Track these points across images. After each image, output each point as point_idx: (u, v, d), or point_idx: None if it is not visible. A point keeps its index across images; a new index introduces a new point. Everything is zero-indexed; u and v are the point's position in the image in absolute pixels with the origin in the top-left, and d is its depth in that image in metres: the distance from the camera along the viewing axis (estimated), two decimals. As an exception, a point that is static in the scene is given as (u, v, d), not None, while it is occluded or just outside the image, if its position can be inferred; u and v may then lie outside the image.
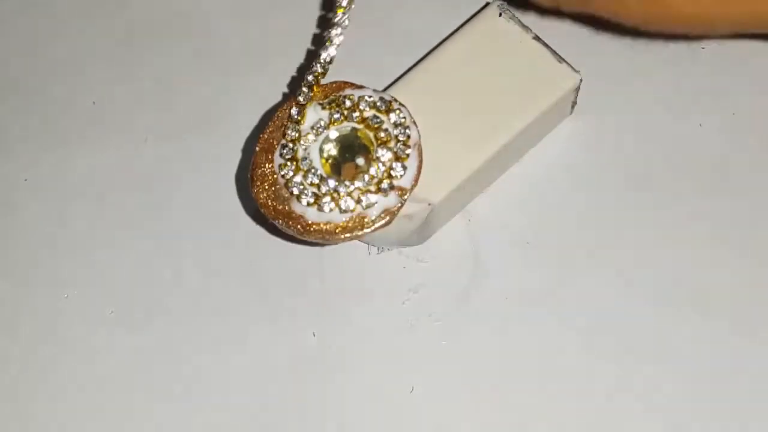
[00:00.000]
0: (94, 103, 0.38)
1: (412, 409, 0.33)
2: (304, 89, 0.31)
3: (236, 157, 0.36)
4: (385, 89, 0.33)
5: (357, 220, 0.30)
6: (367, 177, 0.30)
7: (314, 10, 0.38)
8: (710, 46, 0.36)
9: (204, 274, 0.35)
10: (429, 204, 0.32)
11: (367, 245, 0.34)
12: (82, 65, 0.38)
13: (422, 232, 0.33)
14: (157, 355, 0.34)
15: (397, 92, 0.32)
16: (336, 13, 0.30)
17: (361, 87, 0.31)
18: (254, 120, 0.36)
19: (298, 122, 0.31)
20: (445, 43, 0.34)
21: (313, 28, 0.37)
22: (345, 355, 0.33)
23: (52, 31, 0.39)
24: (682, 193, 0.35)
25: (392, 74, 0.34)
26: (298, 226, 0.30)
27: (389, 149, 0.30)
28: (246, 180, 0.31)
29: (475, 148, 0.32)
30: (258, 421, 0.33)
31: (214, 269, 0.35)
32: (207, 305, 0.34)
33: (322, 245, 0.34)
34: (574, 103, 0.35)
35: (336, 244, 0.30)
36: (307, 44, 0.37)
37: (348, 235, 0.29)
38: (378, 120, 0.30)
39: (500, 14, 0.34)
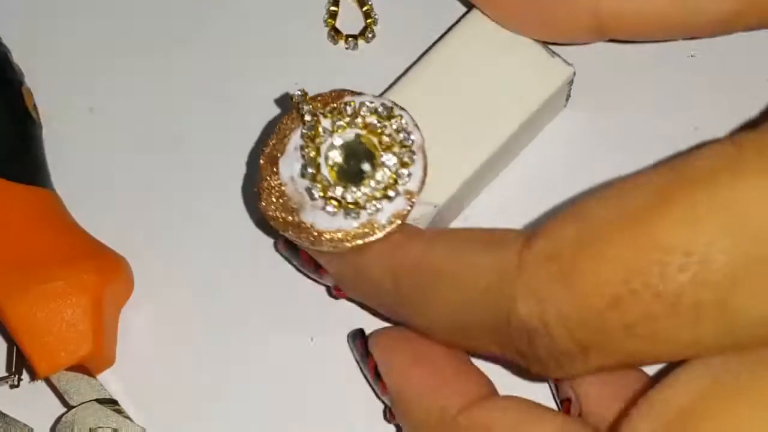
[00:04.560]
0: (91, 109, 0.37)
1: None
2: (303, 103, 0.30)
3: (239, 165, 0.36)
4: (381, 95, 0.33)
5: (367, 226, 0.30)
6: (373, 182, 0.30)
7: (319, 19, 0.38)
8: (706, 47, 0.36)
9: (202, 278, 0.35)
10: (435, 206, 0.32)
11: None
12: (80, 70, 0.38)
13: (426, 235, 0.33)
14: (155, 358, 0.34)
15: (392, 98, 0.32)
16: None
17: (360, 93, 0.31)
18: (258, 129, 0.36)
19: (312, 138, 0.30)
20: (436, 45, 0.34)
21: (317, 37, 0.38)
22: (343, 358, 0.34)
23: (51, 34, 0.38)
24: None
25: (387, 81, 0.34)
26: (309, 236, 0.30)
27: (394, 154, 0.30)
28: (250, 189, 0.31)
29: (475, 147, 0.32)
30: (256, 425, 0.33)
31: (213, 273, 0.35)
32: (207, 310, 0.35)
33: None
34: (568, 95, 0.35)
35: (348, 251, 0.29)
36: (312, 54, 0.38)
37: (359, 241, 0.29)
38: (380, 125, 0.30)
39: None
